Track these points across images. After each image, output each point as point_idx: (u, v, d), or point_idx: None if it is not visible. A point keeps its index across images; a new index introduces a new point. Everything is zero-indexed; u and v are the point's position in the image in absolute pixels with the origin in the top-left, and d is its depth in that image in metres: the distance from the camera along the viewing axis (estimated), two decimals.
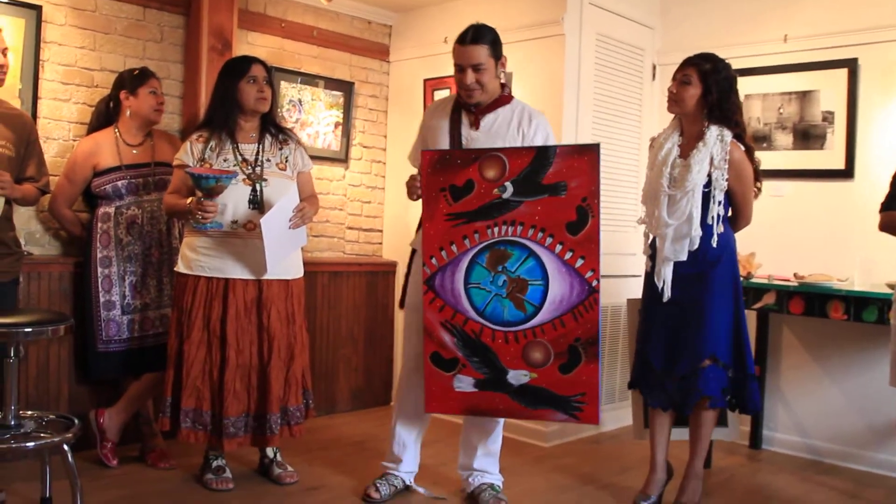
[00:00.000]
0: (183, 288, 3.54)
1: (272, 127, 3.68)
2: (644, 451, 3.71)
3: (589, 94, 4.70)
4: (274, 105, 3.72)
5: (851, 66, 4.36)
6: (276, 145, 3.64)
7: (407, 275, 3.61)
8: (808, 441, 4.51)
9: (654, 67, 5.13)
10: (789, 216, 4.57)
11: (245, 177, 3.50)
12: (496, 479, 3.54)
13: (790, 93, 4.59)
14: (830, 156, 4.46)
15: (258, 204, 3.49)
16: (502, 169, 3.16)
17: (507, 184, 3.15)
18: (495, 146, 3.28)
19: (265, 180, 3.53)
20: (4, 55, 3.39)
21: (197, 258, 3.50)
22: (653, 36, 5.12)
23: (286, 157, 3.63)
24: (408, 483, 3.63)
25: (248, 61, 3.61)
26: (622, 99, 4.95)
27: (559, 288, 3.13)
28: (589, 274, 3.11)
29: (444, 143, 3.39)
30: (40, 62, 3.95)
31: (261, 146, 3.59)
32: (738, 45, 4.62)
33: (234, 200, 3.46)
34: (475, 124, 3.39)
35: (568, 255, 3.12)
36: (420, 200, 3.29)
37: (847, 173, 4.40)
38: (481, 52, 3.27)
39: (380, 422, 4.77)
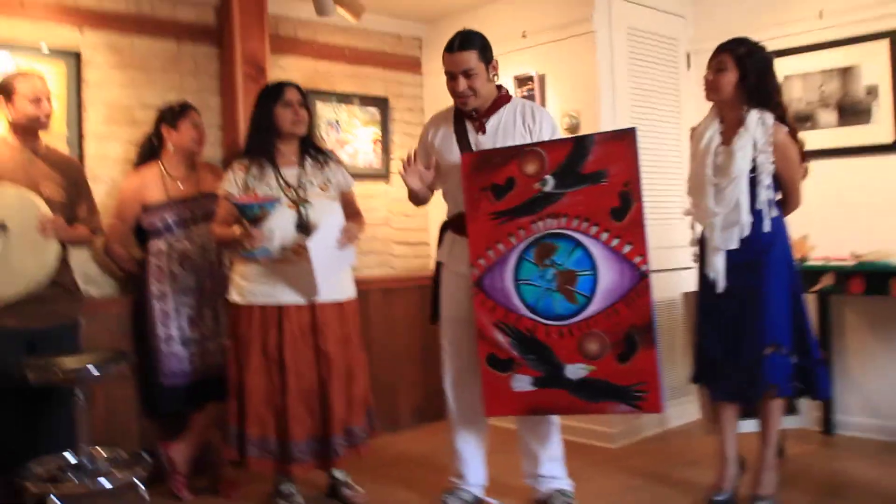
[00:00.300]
0: (238, 317, 3.57)
1: (311, 149, 3.70)
2: (713, 446, 3.65)
3: (625, 89, 4.67)
4: (311, 127, 3.74)
5: (892, 36, 4.27)
6: (317, 167, 3.66)
7: (435, 289, 3.59)
8: (883, 423, 4.38)
9: (689, 56, 5.07)
10: (839, 195, 4.46)
11: (289, 201, 3.52)
12: (566, 485, 3.50)
13: (830, 70, 4.51)
14: (877, 130, 4.37)
15: (304, 227, 3.51)
16: (542, 163, 3.15)
17: (548, 177, 3.14)
18: (506, 146, 3.29)
19: (309, 203, 3.55)
20: (49, 101, 3.47)
21: (249, 286, 3.53)
22: (685, 24, 5.07)
23: (328, 178, 3.65)
24: (479, 496, 3.59)
25: (281, 86, 3.64)
26: (658, 90, 4.91)
27: (609, 276, 3.09)
28: (637, 259, 3.06)
29: (455, 154, 3.39)
30: (83, 105, 4.03)
31: (302, 169, 3.62)
32: (773, 26, 4.55)
33: (280, 226, 3.48)
34: (481, 129, 3.39)
35: (615, 242, 3.08)
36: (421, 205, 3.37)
37: None
38: (470, 58, 3.29)
39: (443, 436, 4.74)
